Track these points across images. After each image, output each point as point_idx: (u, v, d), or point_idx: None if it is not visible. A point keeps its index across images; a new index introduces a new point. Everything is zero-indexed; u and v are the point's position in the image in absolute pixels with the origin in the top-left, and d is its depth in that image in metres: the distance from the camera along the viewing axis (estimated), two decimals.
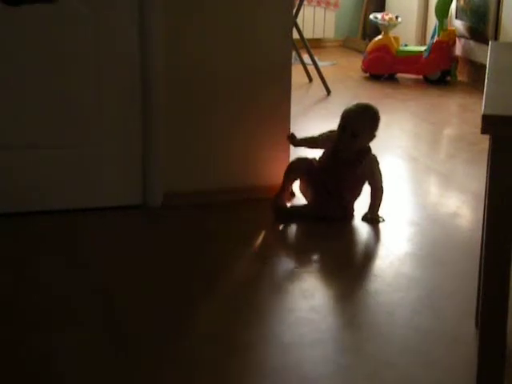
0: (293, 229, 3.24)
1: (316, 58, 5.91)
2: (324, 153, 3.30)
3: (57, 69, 3.17)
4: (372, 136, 3.23)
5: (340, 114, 3.24)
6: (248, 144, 3.44)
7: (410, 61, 6.03)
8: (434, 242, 3.13)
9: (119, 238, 3.09)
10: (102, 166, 3.28)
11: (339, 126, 3.20)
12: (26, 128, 3.18)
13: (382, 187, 3.25)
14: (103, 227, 3.17)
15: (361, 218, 3.25)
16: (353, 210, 3.29)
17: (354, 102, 3.31)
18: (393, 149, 4.39)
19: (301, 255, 3.03)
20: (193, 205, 3.33)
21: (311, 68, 5.89)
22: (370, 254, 3.00)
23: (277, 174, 3.38)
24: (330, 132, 3.30)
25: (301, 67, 5.92)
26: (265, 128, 3.46)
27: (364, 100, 5.42)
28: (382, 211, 3.28)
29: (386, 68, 6.08)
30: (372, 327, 2.43)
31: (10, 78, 3.14)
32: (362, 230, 3.21)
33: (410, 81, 6.05)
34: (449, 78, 5.97)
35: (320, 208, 3.23)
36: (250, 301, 2.60)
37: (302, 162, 3.28)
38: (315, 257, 3.01)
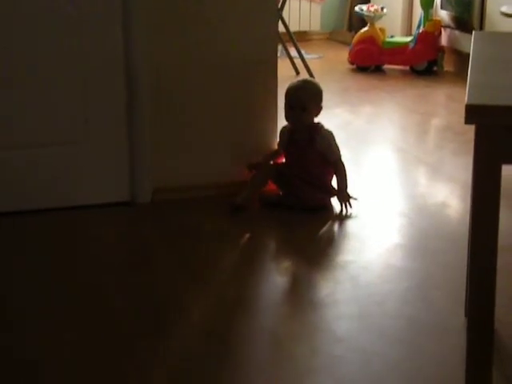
0: (278, 220, 3.23)
1: (302, 51, 5.91)
2: (281, 143, 3.40)
3: (41, 66, 3.16)
4: (319, 108, 3.29)
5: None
6: (235, 138, 3.45)
7: (397, 52, 6.03)
8: (423, 233, 3.14)
9: (107, 235, 3.09)
10: (88, 163, 3.27)
11: (286, 105, 3.29)
12: (11, 127, 3.17)
13: (340, 160, 3.29)
14: (92, 224, 3.17)
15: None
16: (333, 189, 3.31)
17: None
18: (380, 140, 4.40)
19: (288, 248, 3.04)
20: (182, 200, 3.33)
21: (298, 61, 5.89)
22: (358, 246, 3.00)
23: None
24: (282, 128, 3.41)
25: (287, 60, 5.92)
26: (252, 122, 3.46)
27: (352, 92, 5.46)
28: (351, 189, 3.30)
29: (372, 60, 6.08)
30: (363, 318, 2.44)
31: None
32: (350, 221, 3.22)
33: (396, 72, 6.06)
34: (435, 69, 5.98)
35: (299, 199, 3.25)
36: (240, 295, 2.60)
37: (268, 169, 3.36)
38: (302, 248, 3.01)
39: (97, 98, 3.23)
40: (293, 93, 3.28)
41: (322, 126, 3.30)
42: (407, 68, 6.04)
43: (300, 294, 2.58)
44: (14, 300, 2.56)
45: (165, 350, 2.25)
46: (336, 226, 3.21)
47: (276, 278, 2.75)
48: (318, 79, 5.59)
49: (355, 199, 3.27)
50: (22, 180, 3.22)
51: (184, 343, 2.30)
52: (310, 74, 5.67)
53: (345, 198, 3.25)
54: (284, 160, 3.39)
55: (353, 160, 3.91)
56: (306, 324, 2.39)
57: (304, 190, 3.23)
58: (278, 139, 3.47)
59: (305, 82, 3.45)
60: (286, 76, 5.61)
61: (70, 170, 3.27)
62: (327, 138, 3.28)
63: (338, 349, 2.26)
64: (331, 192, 3.30)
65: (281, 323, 2.42)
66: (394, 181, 3.79)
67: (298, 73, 5.97)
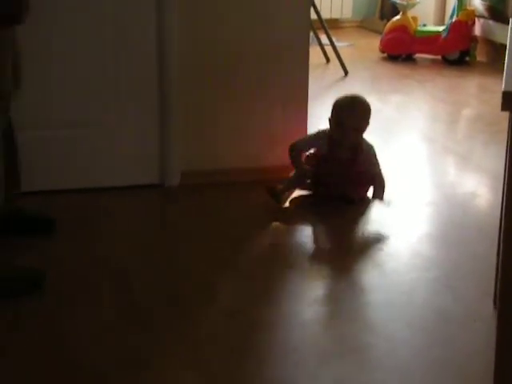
0: (306, 209, 3.23)
1: (333, 39, 5.88)
2: (314, 156, 3.30)
3: (79, 49, 3.17)
4: (368, 126, 3.24)
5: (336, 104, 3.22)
6: (265, 124, 3.44)
7: (429, 41, 5.98)
8: (452, 222, 3.12)
9: (136, 217, 3.11)
10: (118, 145, 3.29)
11: (334, 121, 3.18)
12: (43, 107, 3.19)
13: (380, 172, 3.24)
14: (121, 206, 3.18)
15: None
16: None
17: (343, 95, 3.27)
18: (410, 129, 4.38)
19: (317, 235, 3.04)
20: (210, 184, 3.34)
21: (329, 48, 5.86)
22: (386, 234, 2.99)
23: None
24: (320, 133, 3.28)
25: (318, 48, 5.89)
26: (282, 108, 3.45)
27: (382, 81, 5.43)
28: (390, 195, 3.26)
29: (403, 48, 6.04)
30: (390, 307, 2.43)
31: (37, 60, 3.14)
32: (378, 209, 3.21)
33: (428, 61, 6.01)
34: (467, 59, 5.93)
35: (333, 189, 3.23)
36: (268, 278, 2.61)
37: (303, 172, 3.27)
38: (330, 236, 3.01)
39: (128, 81, 3.24)
40: (346, 112, 3.17)
41: (364, 141, 3.24)
42: (439, 57, 6.00)
43: (327, 282, 2.58)
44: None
45: (190, 327, 2.26)
46: (363, 215, 3.20)
47: (303, 265, 2.74)
48: (349, 67, 5.58)
49: (389, 205, 3.21)
50: (52, 160, 3.24)
51: (209, 323, 2.31)
52: (341, 62, 5.65)
53: (381, 201, 3.24)
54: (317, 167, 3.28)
55: (381, 148, 3.89)
56: (332, 310, 2.39)
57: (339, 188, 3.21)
58: (307, 129, 3.45)
59: (355, 100, 3.25)
60: (316, 63, 5.61)
61: (102, 152, 3.28)
62: (369, 155, 3.23)
63: (364, 335, 2.25)
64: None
65: (307, 309, 2.42)
66: (422, 170, 3.77)
67: (328, 60, 5.95)
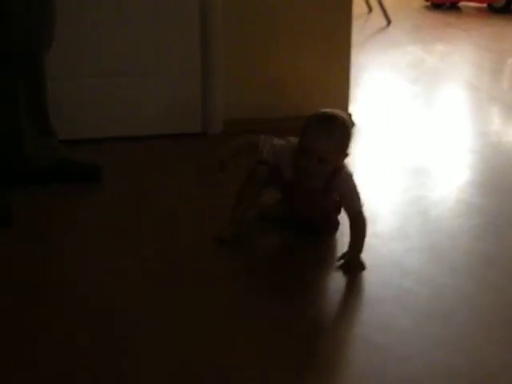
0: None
1: None
2: (277, 173, 2.41)
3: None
4: (344, 156, 2.36)
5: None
6: (308, 72, 3.42)
7: None
8: (496, 170, 3.10)
9: (180, 165, 3.12)
10: (161, 93, 3.30)
11: (300, 148, 2.31)
12: (89, 56, 3.21)
13: (362, 213, 2.34)
14: (164, 154, 3.20)
15: (336, 262, 2.33)
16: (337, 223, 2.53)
17: (319, 110, 2.38)
18: (454, 78, 4.32)
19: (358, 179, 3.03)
20: (253, 132, 3.32)
21: None
22: (429, 181, 2.97)
23: (335, 103, 3.37)
24: (286, 143, 2.42)
25: None
26: (325, 57, 3.43)
27: (426, 30, 5.35)
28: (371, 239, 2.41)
29: None
30: (433, 252, 2.42)
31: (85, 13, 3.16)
32: (420, 156, 3.18)
33: (473, 9, 5.91)
34: None
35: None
36: None
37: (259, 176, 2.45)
38: (376, 183, 3.00)
39: (170, 29, 3.24)
40: (313, 135, 2.29)
41: (340, 169, 2.36)
42: (484, 5, 5.89)
43: (369, 228, 2.57)
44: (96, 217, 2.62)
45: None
46: (405, 161, 3.18)
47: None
48: (392, 16, 5.51)
49: (364, 269, 2.30)
50: (96, 108, 3.26)
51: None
52: (384, 11, 5.57)
53: (355, 260, 2.31)
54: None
55: (425, 97, 3.86)
56: (375, 256, 2.39)
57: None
58: (349, 79, 3.40)
59: (332, 123, 2.31)
60: (358, 13, 5.54)
61: (145, 101, 3.30)
62: (348, 185, 2.35)
63: (407, 281, 2.25)
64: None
65: None
66: (467, 118, 3.72)
67: (370, 10, 5.88)
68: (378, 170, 3.09)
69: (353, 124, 3.43)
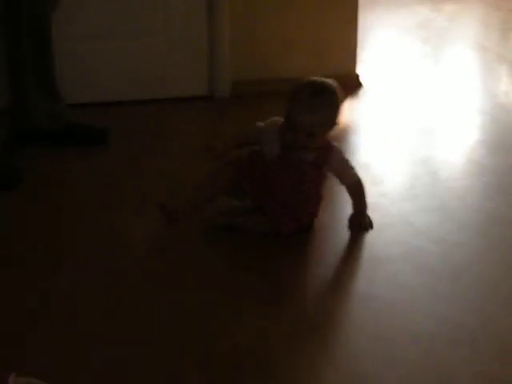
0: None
1: None
2: (260, 152, 2.35)
3: None
4: (333, 126, 2.28)
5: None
6: (315, 33, 3.40)
7: None
8: (505, 130, 3.08)
9: (187, 128, 3.10)
10: (167, 56, 3.28)
11: (287, 123, 2.24)
12: (94, 18, 3.19)
13: (360, 179, 2.35)
14: (171, 117, 3.19)
15: (348, 224, 2.36)
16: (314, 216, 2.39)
17: (306, 80, 2.28)
18: (462, 38, 4.28)
19: (365, 142, 3.03)
20: (261, 93, 3.32)
21: None
22: (438, 142, 2.97)
23: (344, 65, 3.37)
24: (270, 121, 2.36)
25: None
26: (333, 17, 3.41)
27: None
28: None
29: None
30: (443, 211, 2.43)
31: None
32: (430, 118, 3.17)
33: None
34: None
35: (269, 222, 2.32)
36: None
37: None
38: (385, 144, 2.99)
39: None
40: (300, 115, 2.20)
41: (329, 143, 2.31)
42: None
43: (377, 188, 2.57)
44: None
45: None
46: (414, 122, 3.16)
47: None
48: None
49: (372, 227, 2.35)
50: (103, 71, 3.25)
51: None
52: None
53: (365, 219, 2.36)
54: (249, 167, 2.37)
55: (433, 57, 3.84)
56: (384, 215, 2.39)
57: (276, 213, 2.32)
58: (357, 40, 3.38)
59: (319, 95, 2.22)
60: None
61: (151, 63, 3.28)
62: (342, 157, 2.33)
63: (417, 239, 2.26)
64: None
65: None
66: (475, 79, 3.70)
67: None
68: (386, 131, 3.08)
69: (360, 85, 3.42)
